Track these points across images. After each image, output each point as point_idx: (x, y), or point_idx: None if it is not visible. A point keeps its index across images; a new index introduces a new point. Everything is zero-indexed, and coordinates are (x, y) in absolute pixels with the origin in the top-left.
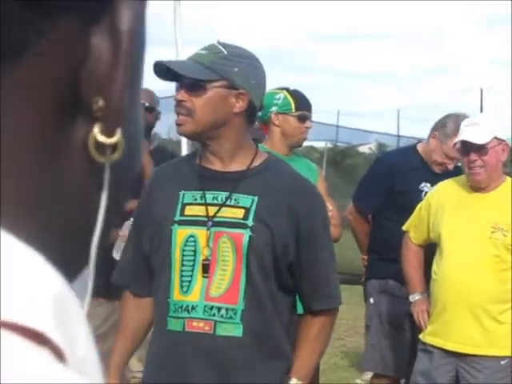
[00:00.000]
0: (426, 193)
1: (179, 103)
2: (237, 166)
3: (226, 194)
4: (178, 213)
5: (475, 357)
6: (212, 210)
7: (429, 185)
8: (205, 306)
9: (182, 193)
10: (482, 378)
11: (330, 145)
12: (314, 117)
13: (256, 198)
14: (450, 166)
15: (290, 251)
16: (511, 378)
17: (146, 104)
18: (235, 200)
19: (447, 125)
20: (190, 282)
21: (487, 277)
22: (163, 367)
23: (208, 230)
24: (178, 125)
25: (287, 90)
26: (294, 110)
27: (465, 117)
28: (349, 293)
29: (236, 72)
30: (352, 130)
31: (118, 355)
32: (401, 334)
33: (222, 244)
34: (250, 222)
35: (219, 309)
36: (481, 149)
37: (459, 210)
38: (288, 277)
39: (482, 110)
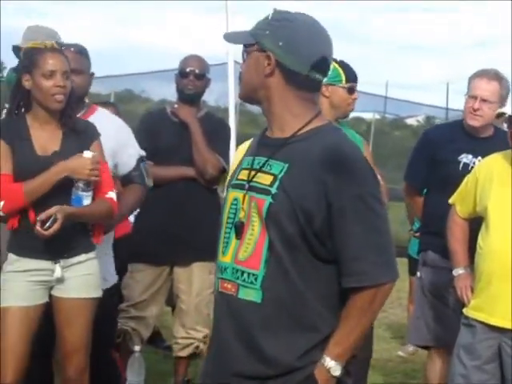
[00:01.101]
0: (465, 163)
1: None
2: (285, 132)
3: (265, 159)
4: (235, 177)
5: None
6: (251, 175)
7: (470, 156)
8: (233, 268)
9: (243, 159)
10: None
11: (377, 116)
12: (363, 87)
13: (287, 166)
14: (476, 105)
15: (315, 220)
16: None
17: (197, 71)
18: (269, 166)
19: (469, 81)
20: (227, 243)
21: None
22: (213, 328)
23: (246, 193)
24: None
25: (337, 61)
26: (344, 82)
27: (485, 72)
28: None
29: (266, 35)
30: (400, 102)
31: None
32: (445, 304)
33: (252, 208)
34: (273, 189)
35: (243, 272)
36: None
37: (507, 185)
38: (319, 246)
39: None
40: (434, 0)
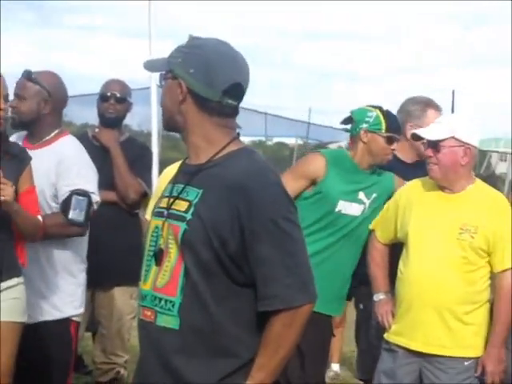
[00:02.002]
0: None
1: None
2: (201, 158)
3: (182, 186)
4: (157, 205)
5: (439, 357)
6: (170, 202)
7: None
8: (152, 296)
9: (167, 186)
10: (446, 379)
11: (300, 141)
12: (285, 113)
13: (201, 192)
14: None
15: (230, 245)
16: (474, 378)
17: (118, 94)
18: (186, 193)
19: (409, 106)
20: (147, 271)
21: (454, 277)
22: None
23: (165, 220)
24: None
25: (381, 109)
26: (384, 131)
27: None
28: None
29: (178, 62)
30: (323, 128)
31: None
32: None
33: (169, 235)
34: (188, 216)
35: (160, 299)
36: (435, 145)
37: (427, 210)
38: (236, 271)
39: (453, 111)
40: (359, 28)
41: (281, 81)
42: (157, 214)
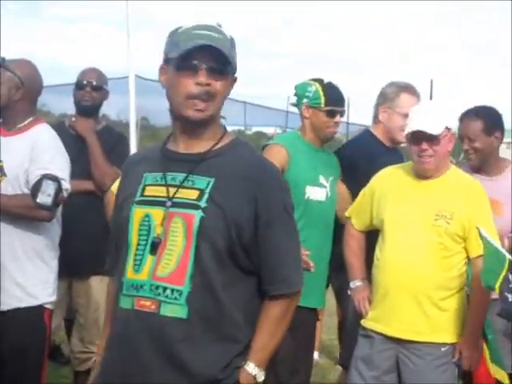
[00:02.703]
0: None
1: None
2: (198, 148)
3: (184, 175)
4: (138, 193)
5: (416, 343)
6: (172, 191)
7: None
8: (151, 285)
9: (145, 175)
10: (423, 365)
11: (279, 130)
12: (264, 102)
13: (212, 180)
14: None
15: (244, 234)
16: (451, 364)
17: (94, 82)
18: (191, 182)
19: (387, 90)
20: (141, 260)
21: (430, 263)
22: (115, 347)
23: (166, 209)
24: (199, 110)
25: (321, 82)
26: (323, 105)
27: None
28: None
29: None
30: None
31: None
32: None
33: (172, 224)
34: (202, 203)
35: (164, 289)
36: (433, 139)
37: (403, 197)
38: (245, 259)
39: (431, 98)
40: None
41: (259, 69)
42: (146, 202)
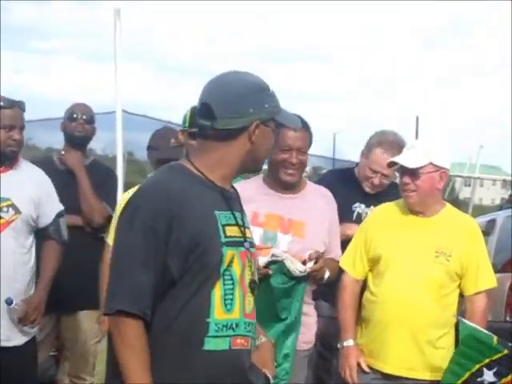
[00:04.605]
0: (359, 213)
1: None
2: (229, 185)
3: (240, 213)
4: (223, 235)
5: (410, 380)
6: (243, 231)
7: (363, 205)
8: (245, 323)
9: (215, 213)
10: None
11: (265, 167)
12: None
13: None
14: (376, 180)
15: None
16: None
17: (84, 116)
18: (245, 220)
19: (370, 139)
20: (232, 300)
21: (429, 301)
22: None
23: (248, 250)
24: None
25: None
26: (187, 127)
27: (393, 134)
28: None
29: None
30: None
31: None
32: (333, 353)
33: (253, 264)
34: (253, 240)
35: (251, 325)
36: (413, 173)
37: (401, 232)
38: None
39: (417, 137)
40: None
41: None
42: (233, 243)
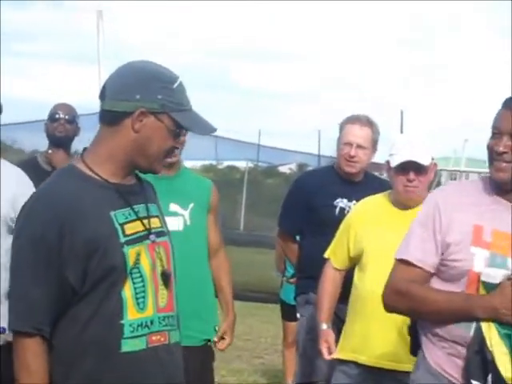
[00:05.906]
0: (342, 208)
1: None
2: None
3: (143, 205)
4: (122, 235)
5: (396, 372)
6: (146, 223)
7: (345, 200)
8: (159, 318)
9: (116, 212)
10: None
11: (251, 164)
12: (236, 136)
13: (155, 205)
14: (352, 151)
15: None
16: None
17: (66, 116)
18: (148, 210)
19: (340, 127)
20: (143, 297)
21: None
22: None
23: (153, 241)
24: None
25: None
26: None
27: (357, 118)
28: (266, 311)
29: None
30: (273, 150)
31: None
32: None
33: (162, 255)
34: (165, 229)
35: (168, 318)
36: (422, 169)
37: (383, 226)
38: None
39: (401, 131)
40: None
41: (225, 103)
42: (134, 240)
